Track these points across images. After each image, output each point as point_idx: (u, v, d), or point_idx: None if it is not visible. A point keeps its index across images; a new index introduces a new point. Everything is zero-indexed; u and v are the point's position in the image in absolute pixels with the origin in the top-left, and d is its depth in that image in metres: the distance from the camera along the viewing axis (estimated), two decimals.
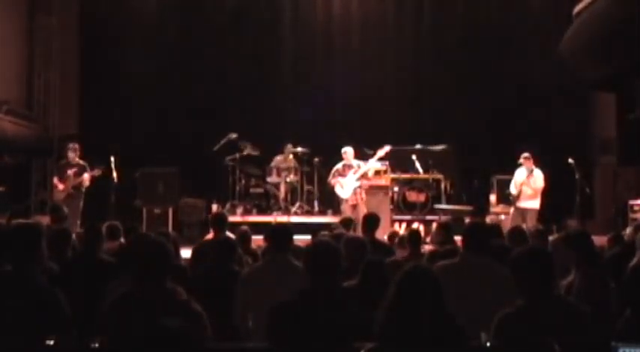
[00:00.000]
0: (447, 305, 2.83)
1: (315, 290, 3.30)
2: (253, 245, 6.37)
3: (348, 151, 10.38)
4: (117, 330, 3.06)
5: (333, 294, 3.33)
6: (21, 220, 4.50)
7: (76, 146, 10.35)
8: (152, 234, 5.16)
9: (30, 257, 3.47)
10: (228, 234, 6.13)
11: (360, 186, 10.15)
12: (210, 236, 6.58)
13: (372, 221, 6.43)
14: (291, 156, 12.11)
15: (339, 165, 10.36)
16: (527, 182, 10.16)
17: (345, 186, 10.16)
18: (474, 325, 3.12)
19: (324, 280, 3.32)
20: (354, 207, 9.97)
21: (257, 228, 7.48)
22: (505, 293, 3.64)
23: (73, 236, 5.58)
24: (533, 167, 10.25)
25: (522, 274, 3.20)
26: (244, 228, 6.45)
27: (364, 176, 10.19)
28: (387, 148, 10.44)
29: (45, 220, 7.70)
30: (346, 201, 10.21)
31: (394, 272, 3.02)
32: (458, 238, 7.17)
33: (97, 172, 10.15)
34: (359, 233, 6.84)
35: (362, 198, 10.10)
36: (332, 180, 10.33)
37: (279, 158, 12.11)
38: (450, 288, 3.86)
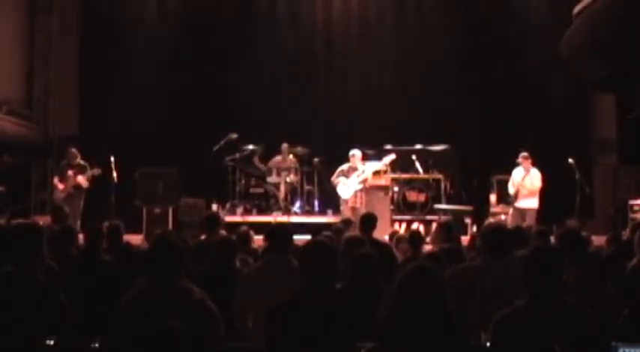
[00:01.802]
0: (449, 305, 2.83)
1: (311, 290, 3.29)
2: (254, 245, 6.35)
3: (356, 154, 10.34)
4: (131, 330, 3.05)
5: (329, 294, 3.32)
6: (21, 220, 4.50)
7: (75, 151, 10.40)
8: (169, 233, 5.14)
9: (30, 257, 3.47)
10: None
11: (361, 190, 10.15)
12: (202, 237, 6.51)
13: (369, 220, 6.42)
14: (291, 156, 12.10)
15: (344, 166, 10.34)
16: (523, 183, 10.16)
17: (347, 186, 10.16)
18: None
19: (320, 280, 3.31)
20: (354, 209, 9.95)
21: (257, 228, 7.48)
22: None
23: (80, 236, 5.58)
24: (531, 167, 10.27)
25: (525, 274, 3.21)
26: (245, 227, 6.44)
27: (365, 181, 10.18)
28: (392, 156, 10.44)
29: (45, 220, 7.70)
30: (346, 202, 10.22)
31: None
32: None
33: (96, 172, 10.15)
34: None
35: (362, 202, 10.09)
36: (335, 179, 10.33)
37: (278, 158, 12.10)
38: (470, 291, 3.84)
